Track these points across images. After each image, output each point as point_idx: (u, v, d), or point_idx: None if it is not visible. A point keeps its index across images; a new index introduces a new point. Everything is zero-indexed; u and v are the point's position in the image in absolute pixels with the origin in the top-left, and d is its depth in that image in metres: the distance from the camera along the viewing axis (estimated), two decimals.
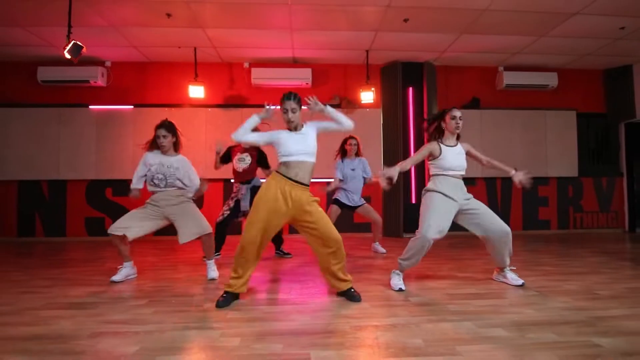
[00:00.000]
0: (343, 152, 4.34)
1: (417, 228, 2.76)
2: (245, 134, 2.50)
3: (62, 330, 1.99)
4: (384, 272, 3.28)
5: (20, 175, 5.89)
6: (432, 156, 2.87)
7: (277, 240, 4.18)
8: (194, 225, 3.10)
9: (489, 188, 6.42)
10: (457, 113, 2.86)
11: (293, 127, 2.52)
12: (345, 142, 4.33)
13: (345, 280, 2.55)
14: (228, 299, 2.41)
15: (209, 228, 3.15)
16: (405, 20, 4.80)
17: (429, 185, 2.90)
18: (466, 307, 2.36)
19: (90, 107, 6.00)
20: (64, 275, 3.36)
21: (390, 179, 2.61)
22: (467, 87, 6.45)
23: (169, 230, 3.35)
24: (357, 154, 4.33)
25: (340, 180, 4.22)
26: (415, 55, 5.97)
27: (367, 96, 5.92)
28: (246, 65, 6.21)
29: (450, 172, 2.84)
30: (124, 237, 3.01)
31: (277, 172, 2.49)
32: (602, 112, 6.74)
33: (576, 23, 4.84)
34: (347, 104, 6.22)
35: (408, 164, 2.85)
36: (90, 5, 4.30)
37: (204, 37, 5.25)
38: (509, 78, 6.32)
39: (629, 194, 6.65)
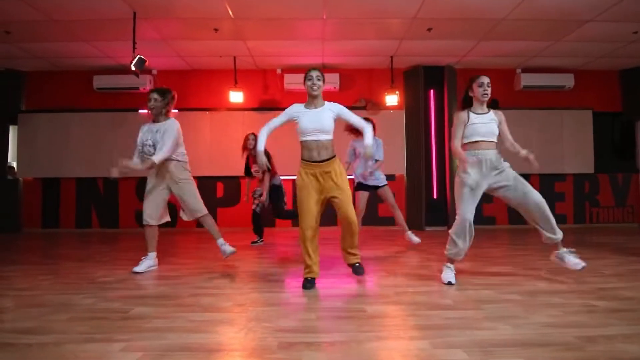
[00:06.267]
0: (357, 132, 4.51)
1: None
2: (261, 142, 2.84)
3: (165, 292, 2.54)
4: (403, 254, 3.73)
5: (78, 173, 6.60)
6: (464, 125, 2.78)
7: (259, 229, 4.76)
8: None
9: None
10: (485, 79, 2.73)
11: (312, 99, 2.73)
12: None
13: (354, 255, 2.80)
14: (312, 282, 2.64)
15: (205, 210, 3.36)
16: (429, 30, 5.23)
17: (458, 168, 2.85)
18: (488, 280, 2.82)
19: (139, 111, 6.64)
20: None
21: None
22: None
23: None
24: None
25: (347, 163, 4.47)
26: (436, 60, 6.39)
27: (392, 99, 6.36)
28: (279, 71, 6.74)
29: (479, 140, 2.74)
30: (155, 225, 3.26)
31: (302, 159, 2.71)
32: (618, 111, 7.00)
33: (590, 29, 5.18)
34: (372, 106, 6.68)
35: (455, 144, 2.82)
36: (149, 22, 4.90)
37: (244, 47, 5.81)
38: (527, 79, 6.65)
39: None
